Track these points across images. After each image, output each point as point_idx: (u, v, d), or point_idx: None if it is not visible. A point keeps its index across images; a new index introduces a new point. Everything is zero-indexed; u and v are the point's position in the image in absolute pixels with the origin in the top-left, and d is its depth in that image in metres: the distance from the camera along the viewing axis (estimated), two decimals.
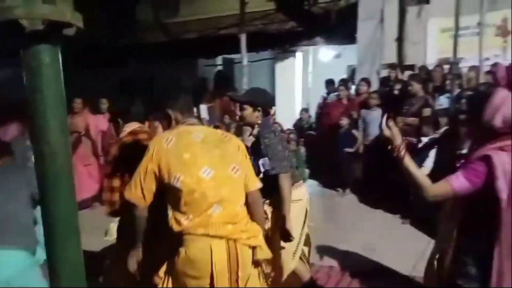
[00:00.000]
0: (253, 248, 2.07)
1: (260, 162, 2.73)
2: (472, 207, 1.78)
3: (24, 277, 2.41)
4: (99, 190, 5.52)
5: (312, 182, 6.56)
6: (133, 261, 2.17)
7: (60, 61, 0.99)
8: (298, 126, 8.07)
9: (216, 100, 7.70)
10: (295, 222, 2.79)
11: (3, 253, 2.36)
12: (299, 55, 9.46)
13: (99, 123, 6.25)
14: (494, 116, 1.77)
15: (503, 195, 1.70)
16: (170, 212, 2.06)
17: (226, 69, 10.05)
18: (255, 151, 2.81)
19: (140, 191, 2.05)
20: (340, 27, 8.59)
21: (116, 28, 9.72)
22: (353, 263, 3.94)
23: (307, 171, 6.61)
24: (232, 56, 9.35)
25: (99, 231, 4.54)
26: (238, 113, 2.96)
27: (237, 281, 2.00)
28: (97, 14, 10.01)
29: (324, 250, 4.12)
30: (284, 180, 2.73)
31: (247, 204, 2.18)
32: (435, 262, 2.03)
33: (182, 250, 2.00)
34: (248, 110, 2.86)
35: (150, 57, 9.06)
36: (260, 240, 2.12)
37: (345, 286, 3.57)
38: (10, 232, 2.40)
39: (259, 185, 2.23)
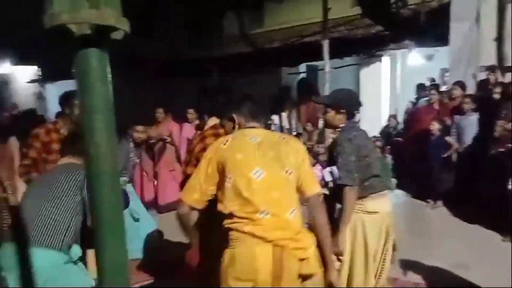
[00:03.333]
0: (301, 260, 1.95)
1: (328, 169, 2.64)
2: None
3: (63, 273, 2.47)
4: None
5: (399, 192, 6.19)
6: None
7: (108, 64, 1.01)
8: (385, 133, 7.75)
9: (299, 108, 7.65)
10: (364, 235, 2.64)
11: (39, 252, 2.42)
12: (385, 59, 9.06)
13: (185, 131, 6.54)
14: None
15: None
16: (220, 207, 2.04)
17: (310, 76, 9.95)
18: (330, 157, 2.75)
19: (198, 194, 2.08)
20: (431, 29, 8.11)
21: (203, 41, 10.21)
22: (441, 281, 3.63)
23: (393, 180, 6.25)
24: (316, 63, 9.26)
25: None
26: (322, 116, 2.94)
27: None
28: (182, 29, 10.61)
29: (410, 265, 3.84)
30: (348, 193, 2.57)
31: (309, 210, 2.10)
32: None
33: (228, 251, 1.98)
34: (331, 112, 2.78)
35: (233, 68, 9.32)
36: (309, 253, 1.99)
37: None
38: (46, 234, 2.46)
39: (318, 190, 2.12)
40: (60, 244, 2.47)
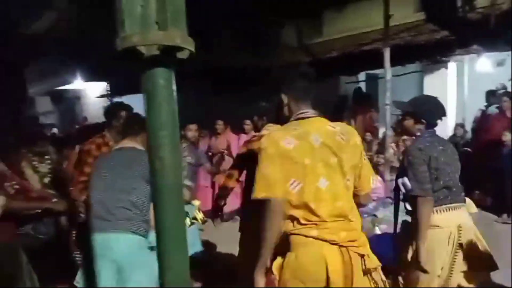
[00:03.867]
0: (362, 256, 1.97)
1: (400, 181, 2.58)
2: None
3: (136, 258, 2.58)
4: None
5: (469, 202, 5.86)
6: (262, 276, 1.97)
7: (174, 82, 1.06)
8: (452, 142, 7.36)
9: (355, 117, 7.51)
10: (431, 251, 2.54)
11: (125, 237, 2.57)
12: (451, 65, 8.65)
13: (242, 142, 6.65)
14: None
15: None
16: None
17: (370, 85, 9.73)
18: (402, 168, 2.68)
19: (277, 186, 1.91)
20: (502, 33, 7.62)
21: (260, 52, 10.33)
22: None
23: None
24: (376, 71, 9.05)
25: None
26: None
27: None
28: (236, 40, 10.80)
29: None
30: (421, 205, 2.50)
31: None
32: None
33: (291, 255, 1.94)
34: (409, 121, 2.71)
35: None
36: (368, 249, 2.02)
37: None
38: (124, 218, 2.59)
39: (370, 189, 2.14)
40: (140, 228, 2.61)
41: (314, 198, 1.92)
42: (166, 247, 1.03)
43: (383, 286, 2.05)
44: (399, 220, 2.92)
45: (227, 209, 6.21)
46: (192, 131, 5.12)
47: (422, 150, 2.57)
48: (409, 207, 2.71)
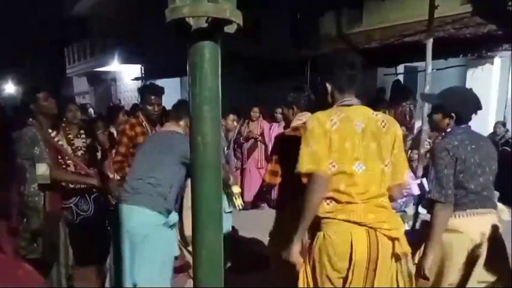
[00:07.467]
0: (393, 240, 1.97)
1: (417, 181, 2.54)
2: None
3: (158, 234, 2.71)
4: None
5: (502, 208, 5.62)
6: (296, 253, 2.02)
7: (219, 57, 1.04)
8: (491, 141, 7.10)
9: (391, 110, 7.32)
10: (447, 257, 2.36)
11: (141, 211, 2.68)
12: (497, 61, 8.28)
13: (274, 131, 6.64)
14: None
15: None
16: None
17: (408, 78, 9.46)
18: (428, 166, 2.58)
19: (323, 161, 1.94)
20: None
21: (299, 43, 10.22)
22: None
23: (495, 193, 5.69)
24: (416, 64, 8.77)
25: (265, 230, 4.74)
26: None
27: (374, 270, 1.92)
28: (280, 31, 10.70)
29: None
30: (438, 211, 2.29)
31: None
32: None
33: (320, 234, 1.98)
34: (438, 114, 2.48)
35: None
36: (400, 233, 2.00)
37: None
38: (149, 196, 2.70)
39: (402, 181, 2.11)
40: (161, 207, 2.72)
41: (348, 181, 1.96)
42: (202, 223, 1.03)
43: (407, 277, 2.05)
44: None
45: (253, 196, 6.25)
46: (231, 120, 5.24)
47: (449, 151, 2.31)
48: (421, 209, 2.59)
